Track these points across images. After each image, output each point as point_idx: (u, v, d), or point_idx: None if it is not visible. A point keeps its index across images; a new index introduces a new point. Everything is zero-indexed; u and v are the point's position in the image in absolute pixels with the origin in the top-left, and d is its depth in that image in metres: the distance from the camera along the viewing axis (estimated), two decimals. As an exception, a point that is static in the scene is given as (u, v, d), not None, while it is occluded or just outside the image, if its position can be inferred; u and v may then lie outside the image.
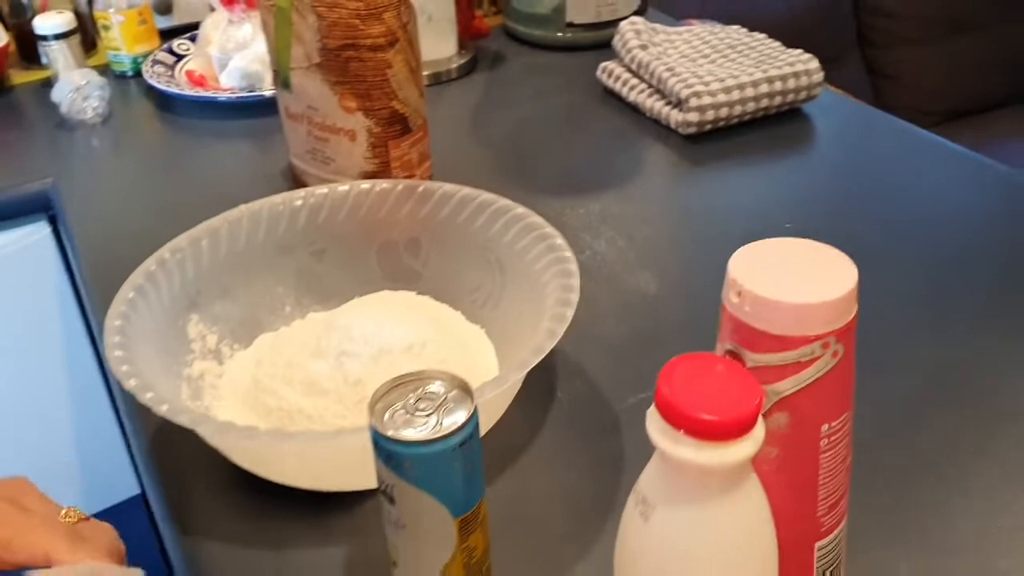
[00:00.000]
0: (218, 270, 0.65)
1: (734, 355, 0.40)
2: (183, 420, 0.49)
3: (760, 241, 0.42)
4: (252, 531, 0.54)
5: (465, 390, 0.44)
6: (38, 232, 1.00)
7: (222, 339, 0.64)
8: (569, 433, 0.60)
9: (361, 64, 0.70)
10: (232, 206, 0.67)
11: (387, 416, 0.43)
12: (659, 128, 0.96)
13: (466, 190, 0.68)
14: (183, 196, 0.92)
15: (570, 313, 0.55)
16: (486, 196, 0.67)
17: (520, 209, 0.65)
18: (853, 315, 0.39)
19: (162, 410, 0.49)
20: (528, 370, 0.51)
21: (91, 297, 0.78)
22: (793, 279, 0.39)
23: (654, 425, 0.36)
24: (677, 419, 0.35)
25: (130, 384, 0.51)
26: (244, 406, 0.60)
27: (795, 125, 0.97)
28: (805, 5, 1.80)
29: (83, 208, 0.90)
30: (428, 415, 0.43)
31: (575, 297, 0.56)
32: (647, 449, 0.58)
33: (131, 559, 0.51)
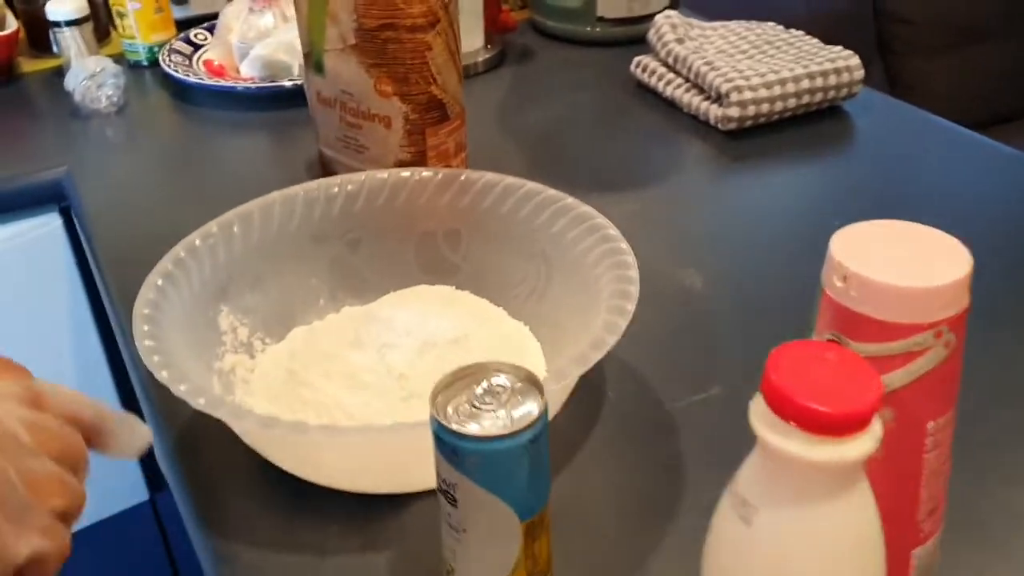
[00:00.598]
0: (250, 258, 0.62)
1: (835, 344, 0.37)
2: (222, 414, 0.46)
3: (861, 222, 0.39)
4: (288, 535, 0.51)
5: (533, 384, 0.41)
6: (49, 223, 0.96)
7: (254, 332, 0.61)
8: (623, 433, 0.57)
9: (399, 46, 0.67)
10: (252, 199, 0.64)
11: (450, 409, 0.40)
12: (697, 124, 0.93)
13: (509, 179, 0.64)
14: (201, 189, 0.88)
15: (631, 307, 0.52)
16: (531, 186, 0.63)
17: (569, 199, 0.62)
18: (967, 303, 0.36)
19: (199, 403, 0.46)
20: (590, 367, 0.48)
21: (108, 290, 0.74)
22: (902, 262, 0.36)
23: (760, 418, 0.33)
24: (787, 410, 0.32)
25: (163, 375, 0.48)
26: (278, 401, 0.56)
27: (835, 122, 0.94)
28: (825, 11, 1.78)
29: (98, 198, 0.87)
30: (495, 410, 0.40)
31: (635, 290, 0.53)
32: (706, 452, 0.55)
33: (139, 567, 0.47)
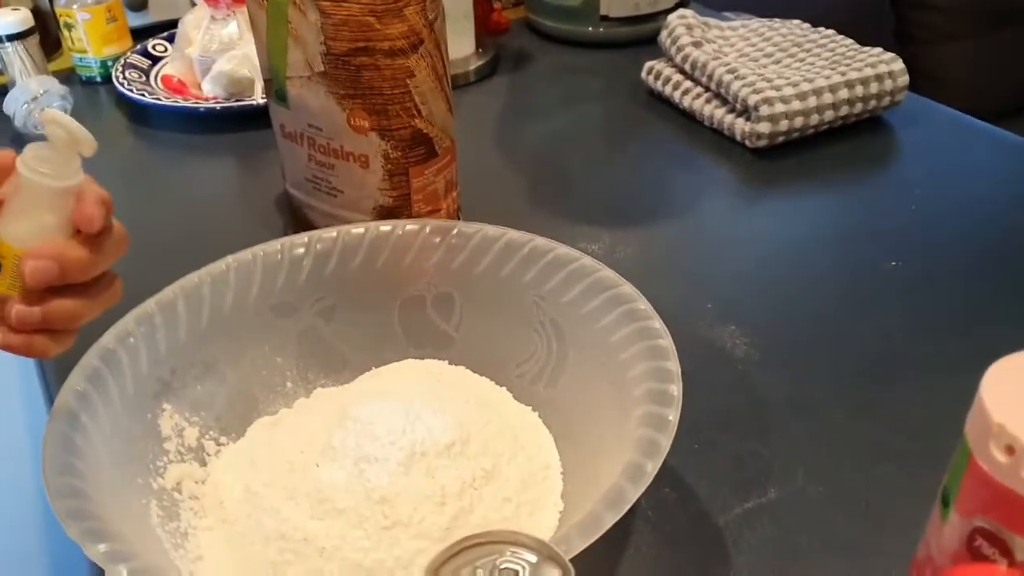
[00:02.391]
0: (198, 342, 0.51)
1: (990, 537, 0.26)
2: (146, 591, 0.35)
3: (1019, 355, 0.28)
4: None
5: (558, 565, 0.30)
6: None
7: (205, 432, 0.50)
8: (664, 556, 0.46)
9: (376, 73, 0.56)
10: (216, 239, 0.52)
11: (445, 607, 0.29)
12: (720, 139, 0.82)
13: (512, 234, 0.53)
14: (159, 226, 0.77)
15: (673, 416, 0.41)
16: (540, 242, 0.52)
17: (585, 260, 0.51)
18: None
19: (119, 572, 0.35)
20: (628, 507, 0.37)
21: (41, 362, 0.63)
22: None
23: None
24: None
25: (72, 530, 0.37)
26: (234, 530, 0.46)
27: (876, 135, 0.83)
28: (839, -3, 1.66)
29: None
30: (506, 609, 0.29)
31: (677, 391, 0.42)
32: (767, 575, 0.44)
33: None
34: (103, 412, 0.44)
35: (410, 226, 0.55)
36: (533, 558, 0.31)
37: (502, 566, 0.31)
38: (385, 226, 0.55)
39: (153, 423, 0.48)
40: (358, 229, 0.55)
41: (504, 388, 0.54)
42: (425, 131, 0.59)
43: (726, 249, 0.70)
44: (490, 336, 0.54)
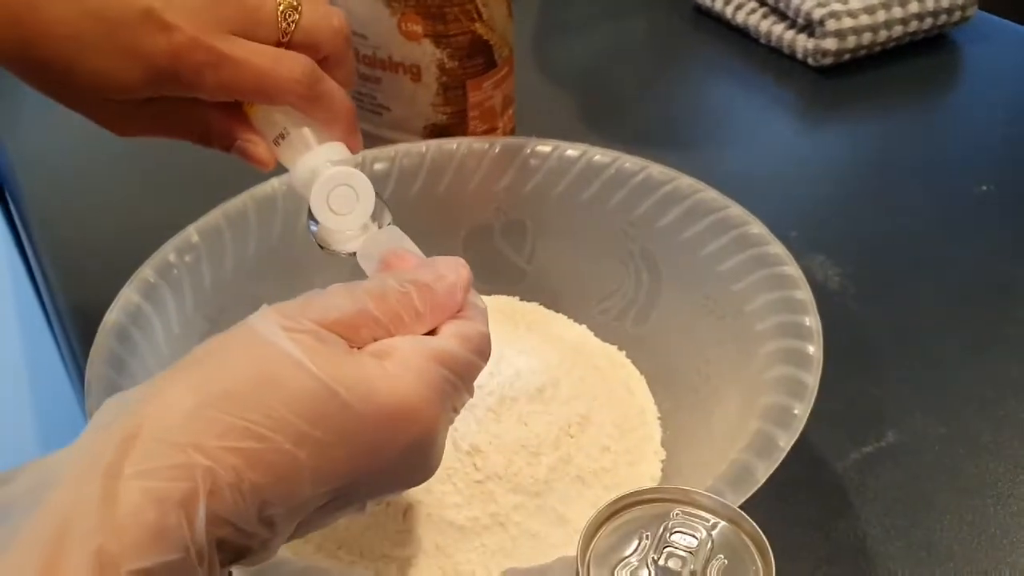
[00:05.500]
0: (245, 275, 0.45)
1: None
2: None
3: None
4: None
5: (748, 535, 0.25)
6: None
7: (257, 377, 0.44)
8: (780, 509, 0.41)
9: (433, -30, 0.49)
10: (232, 167, 0.46)
11: (612, 579, 0.24)
12: (779, 58, 0.76)
13: (595, 152, 0.48)
14: (167, 156, 0.70)
15: (815, 351, 0.36)
16: (628, 161, 0.47)
17: (684, 180, 0.45)
18: None
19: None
20: (776, 466, 0.32)
21: (55, 299, 0.58)
22: None
23: None
24: None
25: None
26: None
27: (943, 54, 0.77)
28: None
29: (37, 175, 0.69)
30: (684, 580, 0.24)
31: (813, 323, 0.37)
32: (894, 523, 0.40)
33: None
34: (147, 351, 0.39)
35: (476, 144, 0.49)
36: (710, 519, 0.26)
37: (673, 530, 0.26)
38: (448, 144, 0.49)
39: (202, 367, 0.42)
40: (418, 147, 0.49)
41: (583, 326, 0.48)
42: (485, 37, 0.52)
43: (799, 174, 0.65)
44: (567, 269, 0.49)
